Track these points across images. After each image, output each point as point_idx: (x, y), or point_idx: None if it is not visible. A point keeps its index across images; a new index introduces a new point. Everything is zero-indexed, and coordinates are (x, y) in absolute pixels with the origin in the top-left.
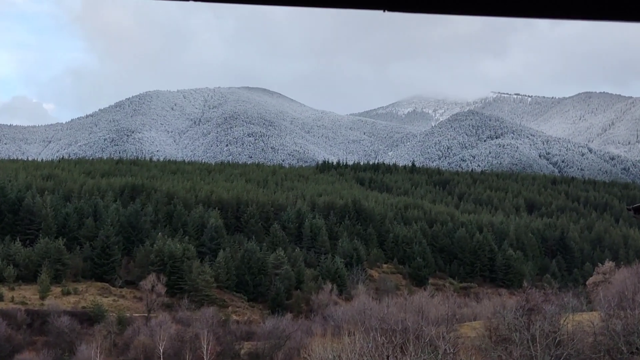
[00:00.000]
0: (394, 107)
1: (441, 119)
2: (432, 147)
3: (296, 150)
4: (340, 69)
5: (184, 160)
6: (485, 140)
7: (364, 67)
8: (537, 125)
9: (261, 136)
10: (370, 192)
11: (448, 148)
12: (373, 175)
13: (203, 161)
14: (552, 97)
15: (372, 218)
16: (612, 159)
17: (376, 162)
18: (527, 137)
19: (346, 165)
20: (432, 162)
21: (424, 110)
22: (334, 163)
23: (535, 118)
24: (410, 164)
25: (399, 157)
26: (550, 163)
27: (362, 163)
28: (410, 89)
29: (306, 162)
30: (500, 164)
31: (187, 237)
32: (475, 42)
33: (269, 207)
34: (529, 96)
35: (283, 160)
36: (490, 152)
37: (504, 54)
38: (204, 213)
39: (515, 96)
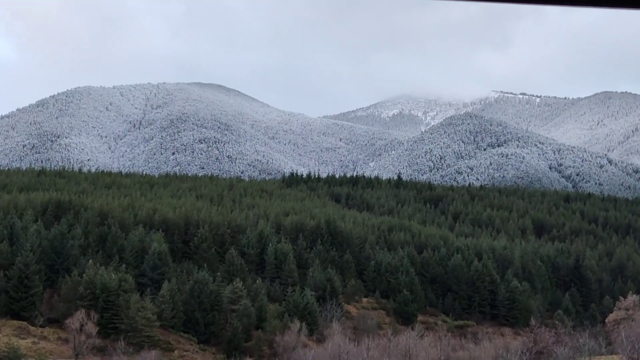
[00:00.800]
0: (376, 108)
1: (433, 123)
2: (422, 157)
3: (258, 160)
4: (311, 63)
5: (121, 172)
6: (485, 149)
7: (340, 60)
8: (547, 131)
9: (215, 142)
10: (347, 210)
11: (441, 158)
12: (351, 190)
13: (144, 172)
14: (565, 98)
15: (349, 242)
16: (636, 171)
17: (355, 175)
18: (535, 145)
19: (318, 179)
20: (422, 174)
21: (412, 112)
22: (304, 175)
23: (545, 122)
24: (395, 177)
25: (382, 168)
26: (562, 176)
27: (337, 176)
28: (395, 86)
29: (270, 174)
30: (503, 177)
31: (123, 266)
32: (473, 31)
33: (225, 229)
34: (537, 96)
35: (242, 172)
36: (491, 163)
37: (507, 46)
38: (145, 236)
39: (520, 96)
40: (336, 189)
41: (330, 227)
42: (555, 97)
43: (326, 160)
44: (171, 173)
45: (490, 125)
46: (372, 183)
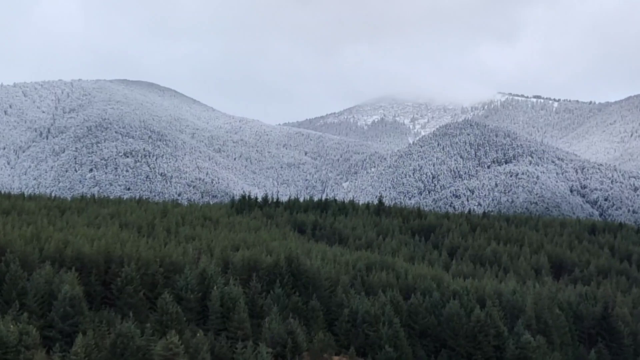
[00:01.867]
0: (351, 113)
1: (423, 133)
2: (410, 176)
3: (200, 179)
4: (268, 56)
5: (24, 193)
6: (489, 166)
7: (304, 54)
8: (567, 144)
9: (145, 156)
10: (314, 244)
11: (433, 177)
12: (319, 218)
13: (54, 194)
14: (590, 102)
15: (316, 284)
16: None
17: (324, 198)
18: (553, 161)
19: (278, 203)
20: (410, 198)
21: (397, 119)
22: (259, 199)
23: (565, 133)
24: (375, 202)
25: (358, 190)
26: (587, 201)
27: (302, 199)
28: (375, 86)
29: (216, 196)
30: (513, 202)
31: (25, 314)
32: (472, 18)
33: (157, 268)
34: (554, 100)
35: (180, 194)
36: (497, 185)
37: (515, 37)
38: (54, 276)
39: (534, 100)
40: (300, 217)
41: (293, 265)
42: (577, 101)
43: (287, 180)
44: (88, 195)
45: (496, 136)
46: (346, 209)
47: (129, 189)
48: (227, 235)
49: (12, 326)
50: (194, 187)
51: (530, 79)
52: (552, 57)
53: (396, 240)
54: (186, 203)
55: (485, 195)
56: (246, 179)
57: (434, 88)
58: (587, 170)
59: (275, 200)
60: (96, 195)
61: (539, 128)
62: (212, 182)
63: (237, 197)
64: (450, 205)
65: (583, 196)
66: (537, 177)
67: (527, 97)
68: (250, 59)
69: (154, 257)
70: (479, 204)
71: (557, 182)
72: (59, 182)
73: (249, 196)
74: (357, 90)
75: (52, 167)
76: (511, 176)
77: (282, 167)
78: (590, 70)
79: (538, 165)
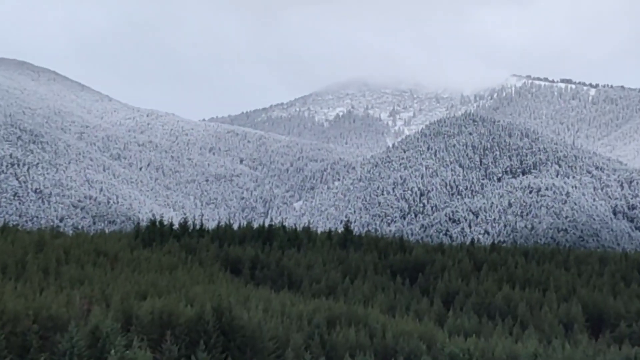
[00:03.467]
0: (305, 104)
1: (407, 132)
2: (389, 193)
3: (91, 198)
4: (186, 26)
5: None
6: (500, 179)
7: (237, 21)
8: (609, 148)
9: (13, 166)
10: (254, 289)
11: (422, 195)
12: (260, 252)
13: None
14: None
15: (256, 347)
16: None
17: (268, 225)
18: (589, 172)
19: (202, 231)
20: (389, 224)
21: (371, 112)
22: (175, 225)
23: (606, 131)
24: (340, 229)
25: (316, 212)
26: (637, 228)
27: (237, 226)
28: (339, 67)
29: (114, 222)
30: (533, 229)
31: None
32: None
33: (29, 324)
34: (590, 85)
35: (62, 219)
36: (511, 204)
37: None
38: None
39: (562, 85)
40: (234, 251)
41: (223, 320)
42: (622, 87)
43: (216, 198)
44: None
45: (510, 135)
46: (299, 239)
47: None
48: (130, 278)
49: None
50: (82, 208)
51: (556, 56)
52: (585, 25)
53: (370, 284)
54: (71, 231)
55: (494, 219)
56: (157, 197)
57: (422, 69)
58: (638, 184)
59: (198, 227)
60: None
61: (570, 125)
62: (108, 202)
63: (143, 223)
64: (446, 234)
65: (631, 220)
66: (568, 194)
67: (553, 81)
68: (160, 30)
69: (25, 309)
70: (486, 232)
71: (595, 200)
72: None
73: (161, 222)
74: (312, 73)
75: None
76: (531, 192)
77: (207, 181)
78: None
79: (568, 177)
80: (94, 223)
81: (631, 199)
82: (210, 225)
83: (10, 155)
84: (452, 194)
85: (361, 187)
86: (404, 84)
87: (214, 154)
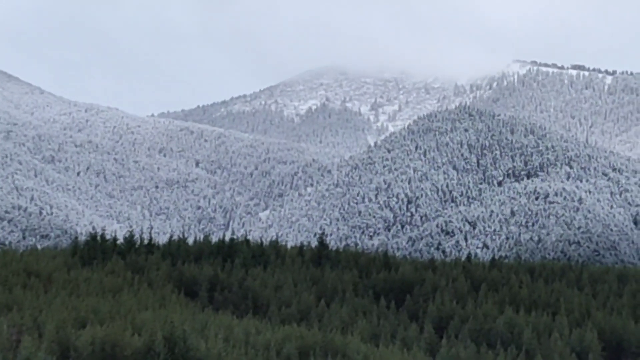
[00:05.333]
0: (272, 97)
1: (392, 128)
2: (371, 200)
3: (20, 208)
4: (124, 5)
5: None
6: (501, 182)
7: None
8: (628, 145)
9: None
10: (213, 315)
11: (410, 202)
12: (220, 271)
13: None
14: None
15: None
16: None
17: (229, 238)
18: (605, 174)
19: (151, 247)
20: (371, 236)
21: (350, 104)
22: (120, 240)
23: (626, 126)
24: (314, 243)
25: (285, 224)
26: None
27: (192, 240)
28: (312, 53)
29: (47, 236)
30: (540, 241)
31: None
32: None
33: None
34: (606, 72)
35: None
36: (514, 213)
37: None
38: None
39: (573, 73)
40: (189, 270)
41: (177, 351)
42: None
43: (167, 208)
44: None
45: (512, 132)
46: (266, 255)
47: None
48: (67, 302)
49: None
50: (9, 221)
51: (566, 38)
52: (601, 1)
53: (349, 307)
54: None
55: (495, 230)
56: (98, 207)
57: (409, 54)
58: None
59: (147, 242)
60: None
61: (583, 119)
62: (40, 213)
63: (82, 238)
64: (438, 248)
65: None
66: (580, 200)
67: (563, 67)
68: (97, 10)
69: None
70: (485, 246)
71: (612, 207)
72: None
73: (103, 236)
74: (280, 59)
75: None
76: (537, 199)
77: (157, 187)
78: None
79: (581, 181)
80: (24, 238)
81: None
82: (161, 239)
83: None
84: (445, 201)
85: (338, 194)
86: (388, 72)
87: (164, 155)
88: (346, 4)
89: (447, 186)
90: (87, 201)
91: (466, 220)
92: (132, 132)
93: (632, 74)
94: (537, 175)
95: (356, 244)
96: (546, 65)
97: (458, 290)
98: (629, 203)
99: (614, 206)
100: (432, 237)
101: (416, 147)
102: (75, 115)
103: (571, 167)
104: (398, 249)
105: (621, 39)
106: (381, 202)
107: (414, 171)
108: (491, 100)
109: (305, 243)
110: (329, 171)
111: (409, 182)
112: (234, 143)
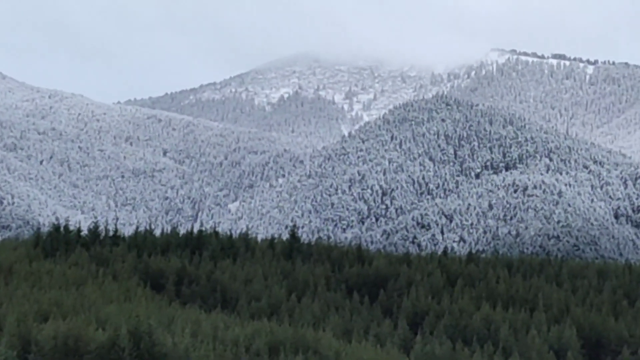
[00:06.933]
0: (243, 84)
1: (367, 118)
2: (344, 192)
3: None
4: None
5: None
6: (479, 174)
7: None
8: (609, 137)
9: None
10: (180, 309)
11: (384, 194)
12: (188, 264)
13: None
14: None
15: None
16: None
17: (196, 230)
18: (586, 166)
19: (116, 239)
20: (344, 229)
21: (323, 93)
22: (84, 231)
23: (607, 118)
24: (285, 235)
25: (255, 216)
26: None
27: (159, 232)
28: (284, 39)
29: (8, 227)
30: (519, 235)
31: None
32: None
33: None
34: (588, 62)
35: None
36: (492, 206)
37: None
38: None
39: (553, 62)
40: (156, 262)
41: (143, 346)
42: (627, 63)
43: (133, 198)
44: None
45: (490, 122)
46: (235, 248)
47: None
48: (29, 295)
49: None
50: None
51: (546, 26)
52: None
53: (320, 302)
54: None
55: (472, 224)
56: (61, 197)
57: (385, 42)
58: None
59: (112, 233)
60: None
61: (563, 109)
62: (1, 203)
63: (45, 229)
64: (413, 242)
65: (637, 225)
66: (560, 193)
67: (543, 56)
68: None
69: None
70: (462, 239)
71: (592, 201)
72: None
73: (67, 227)
74: (251, 45)
75: None
76: (516, 192)
77: (123, 177)
78: None
79: (561, 173)
80: None
81: (636, 199)
82: (127, 231)
83: None
84: (421, 194)
85: (311, 185)
86: (362, 60)
87: (131, 144)
88: None
89: (423, 178)
90: (50, 191)
91: (442, 213)
92: (97, 119)
93: (614, 63)
94: (516, 168)
95: (329, 237)
96: (526, 54)
97: (433, 285)
98: (610, 197)
99: (595, 200)
100: (407, 231)
101: (392, 138)
102: (38, 102)
103: (551, 159)
104: (372, 242)
105: (603, 27)
106: (355, 194)
107: (389, 162)
108: (469, 89)
109: (276, 236)
110: (301, 162)
111: (384, 174)
112: (203, 132)
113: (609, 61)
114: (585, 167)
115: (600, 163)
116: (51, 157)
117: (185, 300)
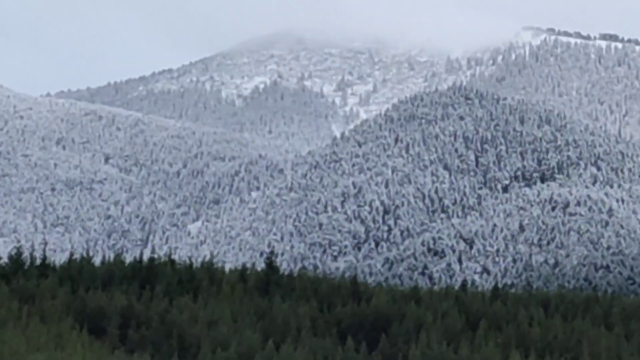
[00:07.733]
0: (207, 72)
1: (364, 115)
2: (335, 209)
3: None
4: None
5: None
6: (507, 187)
7: None
8: None
9: None
10: (126, 358)
11: (386, 212)
12: (136, 302)
13: None
14: None
15: None
16: None
17: (147, 257)
18: None
19: (46, 268)
20: (336, 257)
21: (308, 83)
22: (4, 259)
23: None
24: (261, 263)
25: (223, 238)
26: None
27: (100, 259)
28: (259, 15)
29: None
30: (557, 264)
31: None
32: None
33: None
34: None
35: None
36: (522, 227)
37: None
38: None
39: (601, 44)
40: (95, 298)
41: None
42: None
43: (67, 216)
44: None
45: (521, 121)
46: (197, 280)
47: None
48: None
49: None
50: None
51: (593, 0)
52: None
53: (305, 350)
54: None
55: (498, 250)
56: None
57: (388, 19)
58: None
59: (39, 261)
60: None
61: (615, 105)
62: None
63: None
64: (424, 273)
65: None
66: (611, 212)
67: (589, 37)
68: None
69: None
70: (485, 270)
71: None
72: None
73: None
74: (218, 24)
75: None
76: (554, 209)
77: (54, 190)
78: None
79: (612, 186)
80: None
81: None
82: (59, 258)
83: None
84: (434, 212)
85: (293, 201)
86: (359, 41)
87: (64, 148)
88: None
89: (435, 192)
90: None
91: (461, 236)
92: (20, 116)
93: None
94: (554, 179)
95: (316, 267)
96: (567, 34)
97: (449, 329)
98: None
99: None
100: (415, 259)
101: (396, 140)
102: None
103: (599, 169)
104: (371, 273)
105: None
106: (349, 212)
107: (393, 171)
108: (495, 79)
109: (248, 265)
110: (281, 171)
111: (386, 186)
112: (155, 132)
113: None
114: None
115: None
116: None
117: (132, 348)
